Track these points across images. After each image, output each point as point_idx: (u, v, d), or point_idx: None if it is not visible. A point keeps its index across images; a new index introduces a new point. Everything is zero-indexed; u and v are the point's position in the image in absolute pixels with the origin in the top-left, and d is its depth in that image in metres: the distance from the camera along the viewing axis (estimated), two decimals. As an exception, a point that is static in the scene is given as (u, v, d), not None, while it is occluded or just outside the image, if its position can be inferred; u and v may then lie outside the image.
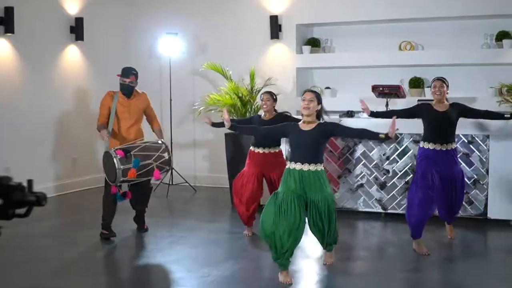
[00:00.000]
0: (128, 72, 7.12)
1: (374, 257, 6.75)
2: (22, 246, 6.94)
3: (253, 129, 6.51)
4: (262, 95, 7.39)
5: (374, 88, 8.49)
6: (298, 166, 5.63)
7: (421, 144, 6.80)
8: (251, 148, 7.38)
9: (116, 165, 6.64)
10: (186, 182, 10.26)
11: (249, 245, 7.07)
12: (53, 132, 9.97)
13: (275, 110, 7.39)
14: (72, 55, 10.33)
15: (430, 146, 6.68)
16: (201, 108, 9.64)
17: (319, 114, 5.74)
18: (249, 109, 9.10)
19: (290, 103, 9.28)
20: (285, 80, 9.84)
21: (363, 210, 8.32)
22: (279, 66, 10.15)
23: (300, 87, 10.10)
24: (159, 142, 7.12)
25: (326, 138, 5.79)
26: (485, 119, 7.14)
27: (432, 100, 6.93)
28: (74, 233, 7.57)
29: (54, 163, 10.00)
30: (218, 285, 5.67)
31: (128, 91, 7.15)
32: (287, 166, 5.74)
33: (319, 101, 5.70)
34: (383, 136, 5.68)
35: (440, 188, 6.63)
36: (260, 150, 7.27)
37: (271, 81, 9.30)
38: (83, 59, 10.54)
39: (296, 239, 5.60)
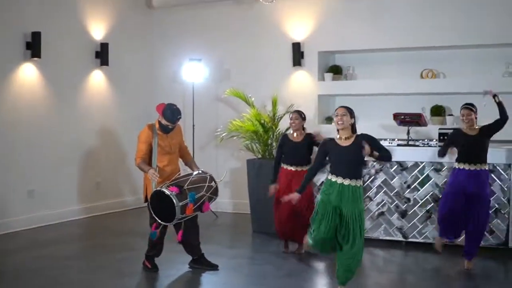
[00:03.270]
0: (174, 118, 6.70)
1: (395, 285, 6.79)
2: (49, 268, 7.06)
3: (310, 175, 6.41)
4: (291, 114, 7.72)
5: (396, 116, 8.55)
6: (339, 180, 5.85)
7: (455, 165, 7.13)
8: (283, 165, 7.73)
9: (175, 203, 6.28)
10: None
11: (269, 272, 7.10)
12: (78, 155, 10.14)
13: (303, 129, 7.71)
14: (97, 80, 10.53)
15: (465, 166, 7.01)
16: (223, 134, 9.74)
17: (354, 127, 5.94)
18: (271, 136, 9.17)
19: (312, 129, 9.28)
20: (307, 107, 9.88)
21: (384, 238, 8.33)
22: (301, 93, 10.24)
23: (322, 114, 10.20)
24: (200, 172, 6.90)
25: (363, 151, 5.89)
26: (502, 119, 7.09)
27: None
28: (100, 256, 7.66)
29: (78, 186, 10.15)
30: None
31: (168, 131, 6.82)
32: (328, 177, 5.94)
33: (352, 115, 5.91)
34: None
35: (466, 206, 6.98)
36: (292, 168, 7.65)
37: (293, 108, 9.36)
38: (108, 84, 10.73)
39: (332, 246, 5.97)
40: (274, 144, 9.27)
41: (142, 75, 11.44)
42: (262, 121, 9.15)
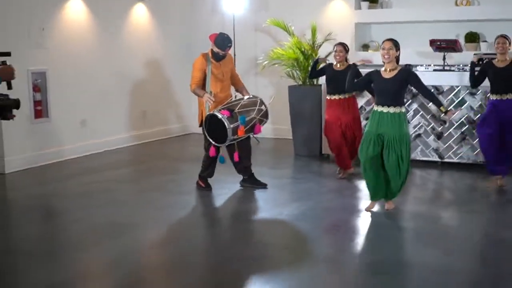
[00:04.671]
0: (225, 45, 7.09)
1: (433, 199, 7.28)
2: (106, 190, 7.60)
3: (349, 85, 6.91)
4: (335, 47, 8.05)
5: (432, 43, 8.81)
6: (380, 108, 6.32)
7: (489, 96, 7.59)
8: (327, 97, 8.12)
9: (226, 125, 6.75)
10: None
11: (314, 189, 7.60)
12: (124, 86, 10.56)
13: (346, 61, 8.04)
14: (140, 13, 10.85)
15: (496, 97, 7.34)
16: (265, 63, 10.08)
17: (398, 59, 6.34)
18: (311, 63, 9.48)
19: (349, 57, 9.59)
20: (344, 36, 10.09)
21: (421, 159, 8.73)
22: (338, 21, 10.46)
23: (358, 42, 10.46)
24: (251, 96, 7.33)
25: (406, 84, 6.37)
26: None
27: (493, 54, 7.61)
28: (152, 179, 8.19)
29: (126, 116, 10.64)
30: (292, 222, 6.28)
31: (220, 59, 7.22)
32: (374, 108, 6.40)
33: (397, 48, 6.29)
34: (443, 110, 6.51)
35: (502, 134, 7.38)
36: (334, 97, 8.01)
37: (331, 36, 9.65)
38: (150, 16, 11.05)
39: (376, 173, 6.41)
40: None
41: (182, 7, 11.74)
42: (303, 49, 9.45)
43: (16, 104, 4.84)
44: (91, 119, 9.80)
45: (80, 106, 9.62)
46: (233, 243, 5.76)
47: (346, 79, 6.92)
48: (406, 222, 6.36)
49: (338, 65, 8.02)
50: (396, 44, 6.29)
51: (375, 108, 6.38)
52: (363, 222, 6.29)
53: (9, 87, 4.86)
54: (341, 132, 8.00)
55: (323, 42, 9.58)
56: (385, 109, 6.27)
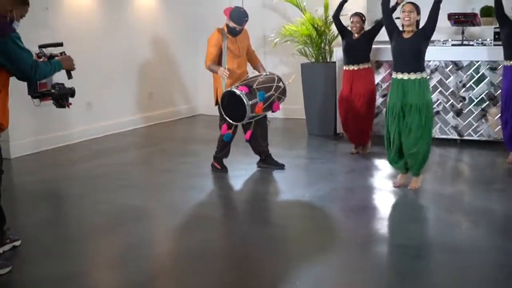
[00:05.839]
0: (241, 20, 6.80)
1: (453, 176, 7.12)
2: (117, 173, 7.35)
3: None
4: (351, 17, 7.81)
5: (450, 16, 8.55)
6: (399, 75, 6.07)
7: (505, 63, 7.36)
8: (344, 67, 7.90)
9: (245, 102, 6.38)
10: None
11: (335, 169, 7.36)
12: (130, 68, 10.27)
13: (362, 30, 7.83)
14: (145, -8, 10.56)
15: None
16: (276, 40, 9.78)
17: (418, 24, 6.11)
18: (324, 40, 9.22)
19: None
20: (357, 10, 9.84)
21: (439, 137, 8.48)
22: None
23: (371, 16, 10.14)
24: (268, 73, 7.00)
25: (426, 40, 6.08)
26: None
27: None
28: (164, 162, 7.92)
29: (132, 97, 10.36)
30: (316, 203, 6.02)
31: (236, 34, 6.91)
32: (392, 76, 6.17)
33: (418, 12, 6.06)
34: None
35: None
36: (351, 67, 7.79)
37: (343, 11, 9.33)
38: (155, -5, 10.77)
39: (400, 145, 6.21)
40: (327, 48, 9.33)
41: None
42: (316, 25, 9.18)
43: (72, 92, 5.01)
44: (96, 101, 9.52)
45: (85, 88, 9.30)
46: (255, 227, 5.48)
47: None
48: (430, 202, 6.12)
49: (355, 35, 7.78)
50: (417, 7, 6.09)
51: (395, 75, 6.14)
52: (388, 203, 6.07)
53: (69, 76, 5.00)
54: (355, 104, 7.79)
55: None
56: (405, 76, 6.04)
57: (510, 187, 6.52)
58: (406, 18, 6.03)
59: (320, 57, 9.30)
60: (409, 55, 6.03)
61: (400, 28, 6.22)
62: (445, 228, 5.31)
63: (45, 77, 4.67)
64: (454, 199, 6.12)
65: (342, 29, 7.95)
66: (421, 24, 6.14)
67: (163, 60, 10.93)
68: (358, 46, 7.70)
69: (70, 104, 5.04)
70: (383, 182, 6.73)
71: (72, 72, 5.01)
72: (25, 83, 4.79)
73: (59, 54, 4.93)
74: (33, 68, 4.46)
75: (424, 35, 6.05)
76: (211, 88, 7.15)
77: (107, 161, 7.96)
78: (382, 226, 5.43)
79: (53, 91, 4.96)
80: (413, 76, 6.02)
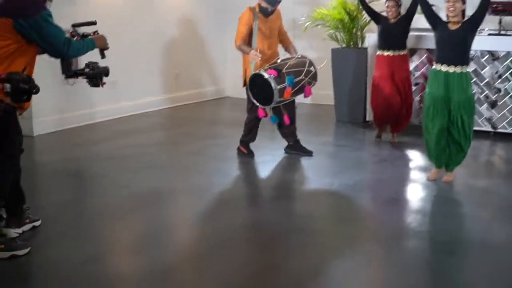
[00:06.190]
0: (275, 0, 6.57)
1: (485, 169, 6.94)
2: (142, 154, 7.20)
3: None
4: (386, 2, 7.53)
5: (488, 5, 8.26)
6: (444, 68, 5.77)
7: None
8: (378, 52, 7.67)
9: (273, 86, 6.12)
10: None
11: (364, 157, 7.20)
12: (156, 47, 10.09)
13: (399, 15, 7.57)
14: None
15: None
16: (307, 23, 9.54)
17: (464, 13, 5.79)
18: (357, 25, 8.98)
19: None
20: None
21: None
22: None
23: (405, 3, 9.89)
24: (299, 56, 6.76)
25: (473, 32, 5.81)
26: None
27: None
28: (189, 143, 7.77)
29: (158, 77, 10.19)
30: (346, 193, 5.84)
31: (268, 14, 6.70)
32: (433, 67, 5.89)
33: (464, 1, 5.73)
34: None
35: None
36: (387, 53, 7.55)
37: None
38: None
39: (443, 141, 5.95)
40: (359, 33, 9.09)
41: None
42: (348, 10, 8.93)
43: (106, 71, 4.96)
44: (122, 80, 9.34)
45: (111, 66, 9.15)
46: (281, 215, 5.29)
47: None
48: (464, 196, 5.92)
49: (392, 21, 7.52)
50: None
51: (438, 67, 5.84)
52: (421, 195, 5.85)
53: (103, 56, 4.96)
54: (389, 91, 7.54)
55: (370, 2, 9.01)
56: (451, 69, 5.76)
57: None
58: (450, 9, 5.72)
59: (352, 43, 9.06)
60: (456, 48, 5.76)
61: (444, 19, 5.94)
62: (480, 224, 5.12)
63: (78, 55, 4.60)
64: (488, 193, 5.90)
65: (373, 14, 7.72)
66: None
67: (190, 40, 10.73)
68: (395, 32, 7.45)
69: (104, 83, 4.98)
70: (414, 173, 6.54)
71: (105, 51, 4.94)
72: (51, 61, 4.70)
73: (91, 34, 4.87)
74: (66, 45, 4.38)
75: (472, 25, 5.76)
76: (239, 70, 6.96)
77: (130, 141, 7.82)
78: (414, 220, 5.20)
79: (87, 70, 4.89)
80: (459, 69, 5.76)
